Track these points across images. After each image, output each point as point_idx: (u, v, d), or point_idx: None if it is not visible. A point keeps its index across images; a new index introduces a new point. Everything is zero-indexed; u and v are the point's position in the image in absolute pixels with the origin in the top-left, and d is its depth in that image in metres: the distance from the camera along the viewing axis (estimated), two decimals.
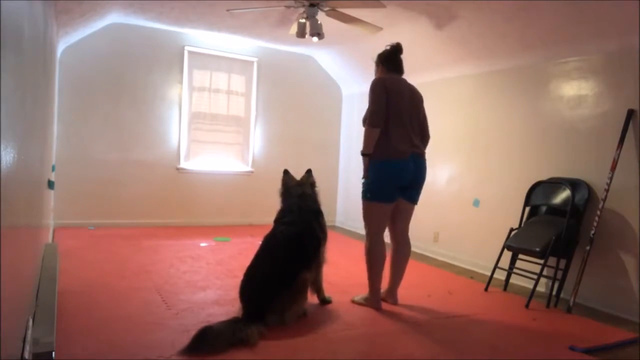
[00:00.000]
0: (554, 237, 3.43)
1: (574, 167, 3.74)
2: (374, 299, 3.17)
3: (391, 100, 3.06)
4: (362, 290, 3.32)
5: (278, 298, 2.66)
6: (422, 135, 3.26)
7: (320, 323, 2.83)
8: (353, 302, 3.24)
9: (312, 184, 3.23)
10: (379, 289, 3.18)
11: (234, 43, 6.08)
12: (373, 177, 3.08)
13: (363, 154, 3.08)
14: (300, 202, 3.06)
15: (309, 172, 3.28)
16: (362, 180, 3.14)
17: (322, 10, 3.99)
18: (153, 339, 2.46)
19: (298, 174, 3.31)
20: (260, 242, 2.95)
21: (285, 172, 3.26)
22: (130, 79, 5.61)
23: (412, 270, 4.33)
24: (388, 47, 3.28)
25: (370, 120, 3.04)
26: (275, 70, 6.43)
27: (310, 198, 3.14)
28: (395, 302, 3.29)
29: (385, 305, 3.19)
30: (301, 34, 4.13)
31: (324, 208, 3.23)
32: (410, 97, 3.18)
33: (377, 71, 3.33)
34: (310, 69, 6.68)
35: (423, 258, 4.94)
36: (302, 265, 2.79)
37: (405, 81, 3.25)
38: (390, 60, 3.25)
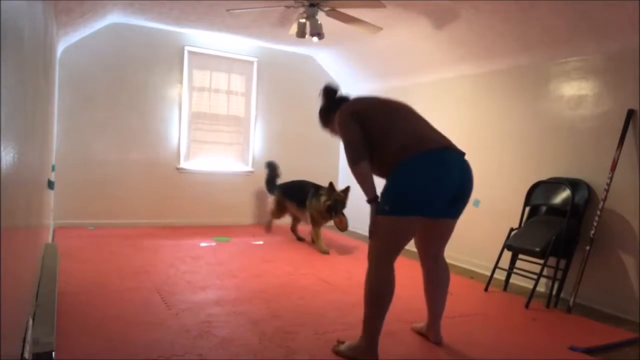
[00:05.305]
0: (554, 237, 3.43)
1: (574, 167, 3.74)
2: (369, 348, 2.28)
3: (369, 114, 2.46)
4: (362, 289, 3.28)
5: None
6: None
7: (320, 323, 2.83)
8: (335, 352, 2.39)
9: (333, 193, 4.72)
10: (377, 332, 2.31)
11: (234, 43, 6.08)
12: (400, 182, 2.31)
13: (369, 200, 2.37)
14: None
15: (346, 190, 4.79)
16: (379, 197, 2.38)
17: (322, 10, 3.98)
18: (153, 339, 2.46)
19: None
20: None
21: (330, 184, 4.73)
22: (130, 79, 5.61)
23: (412, 270, 4.32)
24: (321, 96, 2.67)
25: (348, 158, 2.38)
26: (275, 70, 6.42)
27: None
28: (438, 339, 2.60)
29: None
30: (301, 34, 4.13)
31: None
32: (390, 101, 2.60)
33: (333, 121, 2.56)
34: (310, 69, 6.67)
35: None
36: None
37: None
38: (338, 99, 2.64)
